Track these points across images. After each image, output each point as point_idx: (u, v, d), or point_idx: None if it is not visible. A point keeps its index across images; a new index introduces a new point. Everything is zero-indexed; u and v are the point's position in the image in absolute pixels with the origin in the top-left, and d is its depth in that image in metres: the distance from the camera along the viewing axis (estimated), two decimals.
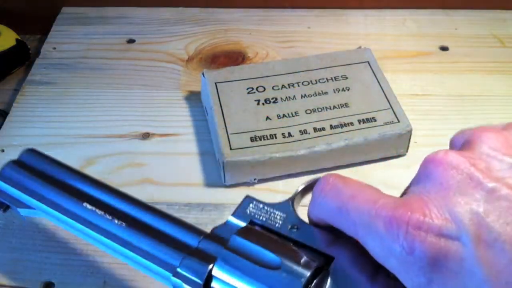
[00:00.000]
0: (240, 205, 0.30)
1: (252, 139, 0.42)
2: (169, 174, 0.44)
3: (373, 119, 0.43)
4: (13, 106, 0.50)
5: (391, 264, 0.24)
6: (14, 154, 0.45)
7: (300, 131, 0.43)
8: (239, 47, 0.57)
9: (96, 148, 0.46)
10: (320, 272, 0.27)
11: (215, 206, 0.41)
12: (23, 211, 0.34)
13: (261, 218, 0.30)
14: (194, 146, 0.46)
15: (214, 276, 0.28)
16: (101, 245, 0.31)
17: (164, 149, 0.46)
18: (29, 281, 0.37)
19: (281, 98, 0.45)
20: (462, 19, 0.60)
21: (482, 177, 0.23)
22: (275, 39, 0.58)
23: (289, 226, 0.29)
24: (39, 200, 0.33)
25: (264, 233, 0.29)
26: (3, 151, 0.46)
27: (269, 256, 0.27)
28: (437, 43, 0.56)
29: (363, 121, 0.43)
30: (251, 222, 0.30)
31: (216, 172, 0.43)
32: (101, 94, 0.51)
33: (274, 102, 0.45)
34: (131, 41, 0.58)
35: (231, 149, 0.41)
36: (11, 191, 0.34)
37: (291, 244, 0.28)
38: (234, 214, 0.30)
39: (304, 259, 0.27)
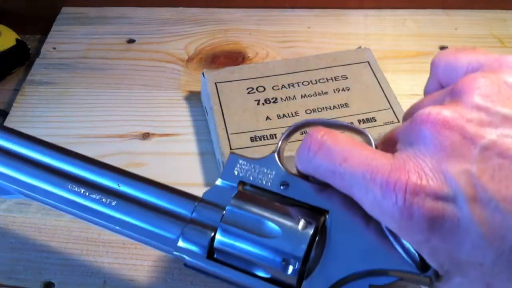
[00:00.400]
0: (226, 165, 0.30)
1: (252, 139, 0.42)
2: (169, 174, 0.44)
3: (373, 119, 0.43)
4: (13, 106, 0.50)
5: (390, 225, 0.24)
6: None
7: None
8: (239, 47, 0.57)
9: (96, 148, 0.46)
10: (318, 231, 0.27)
11: None
12: (5, 196, 0.33)
13: (250, 178, 0.29)
14: (194, 146, 0.46)
15: (216, 248, 0.28)
16: (96, 225, 0.31)
17: (164, 149, 0.46)
18: (29, 281, 0.37)
19: (281, 98, 0.45)
20: (462, 19, 0.60)
21: (475, 135, 0.23)
22: (275, 39, 0.58)
23: (280, 183, 0.29)
24: (20, 187, 0.32)
25: (258, 197, 0.29)
26: None
27: (268, 224, 0.27)
28: (437, 43, 0.56)
29: (363, 121, 0.43)
30: (241, 183, 0.29)
31: (216, 172, 0.43)
32: (101, 94, 0.51)
33: (274, 102, 0.45)
34: (131, 41, 0.58)
35: (231, 149, 0.41)
36: None
37: (286, 204, 0.28)
38: (222, 177, 0.30)
39: (302, 222, 0.27)
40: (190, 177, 0.44)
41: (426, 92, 0.31)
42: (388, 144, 0.27)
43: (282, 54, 0.56)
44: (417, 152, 0.24)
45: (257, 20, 0.60)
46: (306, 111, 0.44)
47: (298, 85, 0.46)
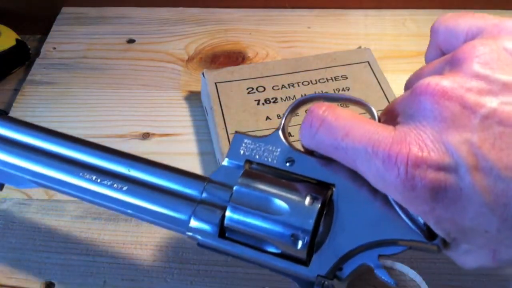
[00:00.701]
0: (232, 145, 0.30)
1: None
2: None
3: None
4: (13, 106, 0.50)
5: (394, 197, 0.25)
6: None
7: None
8: (239, 47, 0.57)
9: None
10: (325, 204, 0.28)
11: None
12: (20, 186, 0.34)
13: (256, 156, 0.30)
14: (194, 146, 0.46)
15: (227, 227, 0.28)
16: (109, 209, 0.32)
17: (164, 149, 0.46)
18: (29, 281, 0.37)
19: (281, 98, 0.45)
20: None
21: (475, 104, 0.23)
22: (275, 39, 0.58)
23: (285, 160, 0.29)
24: (33, 176, 0.32)
25: (264, 175, 0.29)
26: None
27: (276, 201, 0.28)
28: None
29: None
30: (247, 162, 0.30)
31: None
32: (101, 94, 0.51)
33: (274, 102, 0.45)
34: (131, 41, 0.58)
35: None
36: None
37: (292, 180, 0.29)
38: (228, 156, 0.30)
39: (309, 196, 0.27)
40: None
41: (427, 59, 0.31)
42: (390, 116, 0.27)
43: (282, 54, 0.56)
44: (417, 124, 0.24)
45: (257, 20, 0.60)
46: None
47: (298, 85, 0.46)
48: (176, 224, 0.30)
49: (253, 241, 0.28)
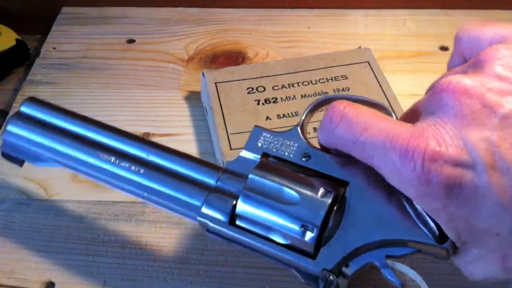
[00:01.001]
0: (250, 137, 0.31)
1: None
2: None
3: None
4: (13, 106, 0.50)
5: (408, 192, 0.25)
6: None
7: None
8: (239, 47, 0.57)
9: None
10: (337, 200, 0.28)
11: None
12: (38, 164, 0.35)
13: (273, 149, 0.30)
14: (194, 146, 0.46)
15: (238, 214, 0.29)
16: (124, 191, 0.32)
17: None
18: (29, 281, 0.37)
19: (281, 98, 0.45)
20: (462, 19, 0.59)
21: (495, 104, 0.23)
22: (275, 39, 0.58)
23: (302, 155, 0.30)
24: (53, 154, 0.34)
25: (280, 167, 0.29)
26: None
27: (288, 192, 0.28)
28: (437, 43, 0.56)
29: None
30: (264, 155, 0.30)
31: None
32: (101, 94, 0.51)
33: (274, 102, 0.45)
34: (131, 41, 0.58)
35: (231, 149, 0.41)
36: (23, 147, 0.35)
37: (307, 175, 0.29)
38: (245, 148, 0.31)
39: (321, 190, 0.28)
40: None
41: (450, 67, 0.31)
42: (411, 117, 0.27)
43: (282, 54, 0.56)
44: (437, 119, 0.24)
45: (257, 20, 0.60)
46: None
47: (298, 85, 0.46)
48: (188, 209, 0.30)
49: (262, 230, 0.28)
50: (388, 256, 0.27)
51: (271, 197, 0.28)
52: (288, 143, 0.30)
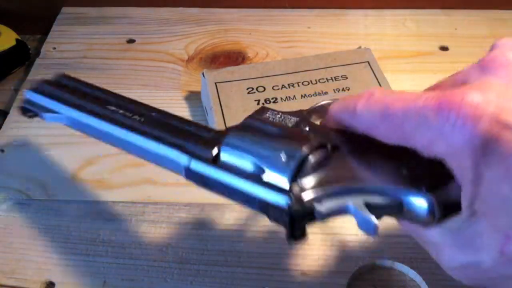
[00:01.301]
0: (253, 112, 0.32)
1: None
2: (169, 174, 0.43)
3: None
4: (13, 106, 0.50)
5: (440, 149, 0.24)
6: (14, 154, 0.45)
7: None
8: (239, 47, 0.57)
9: (96, 148, 0.46)
10: (321, 141, 0.28)
11: (215, 206, 0.41)
12: (48, 117, 0.37)
13: (274, 120, 0.31)
14: None
15: (223, 148, 0.29)
16: (119, 140, 0.33)
17: None
18: (29, 281, 0.37)
19: (281, 98, 0.45)
20: (462, 19, 0.60)
21: None
22: (275, 39, 0.58)
23: (302, 126, 0.30)
24: (65, 104, 0.36)
25: (272, 119, 0.31)
26: (3, 151, 0.46)
27: (272, 129, 0.29)
28: (437, 43, 0.56)
29: None
30: None
31: None
32: None
33: (274, 102, 0.45)
34: (131, 41, 0.58)
35: None
36: (40, 100, 0.37)
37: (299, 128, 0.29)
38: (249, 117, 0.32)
39: (306, 130, 0.28)
40: None
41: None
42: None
43: (282, 54, 0.56)
44: (481, 80, 0.24)
45: (257, 20, 0.60)
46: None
47: (298, 85, 0.46)
48: (176, 149, 0.30)
49: (245, 166, 0.28)
50: (366, 204, 0.26)
51: (257, 134, 0.29)
52: (291, 118, 0.31)
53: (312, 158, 0.27)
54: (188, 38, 0.58)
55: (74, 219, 0.40)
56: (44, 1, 0.61)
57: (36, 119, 0.48)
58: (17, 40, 0.55)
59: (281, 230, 0.26)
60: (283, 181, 0.26)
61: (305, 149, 0.27)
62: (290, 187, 0.26)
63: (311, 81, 0.47)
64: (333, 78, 0.47)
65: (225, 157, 0.29)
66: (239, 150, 0.28)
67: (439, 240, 0.26)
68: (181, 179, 0.43)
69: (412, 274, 0.36)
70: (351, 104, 0.27)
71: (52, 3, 0.62)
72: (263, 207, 0.27)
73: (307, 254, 0.38)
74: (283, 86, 0.46)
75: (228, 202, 0.41)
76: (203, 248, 0.38)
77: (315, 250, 0.38)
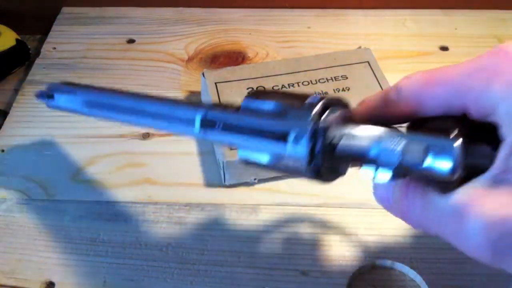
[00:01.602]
0: None
1: None
2: (169, 174, 0.44)
3: None
4: (13, 106, 0.50)
5: (488, 103, 0.24)
6: (14, 154, 0.45)
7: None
8: (239, 47, 0.57)
9: (96, 148, 0.46)
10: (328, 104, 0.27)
11: (215, 206, 0.41)
12: (62, 99, 0.40)
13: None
14: (194, 146, 0.46)
15: (244, 100, 0.29)
16: (132, 110, 0.35)
17: (164, 149, 0.46)
18: (29, 281, 0.37)
19: None
20: (462, 19, 0.60)
21: None
22: (275, 39, 0.58)
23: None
24: (80, 86, 0.40)
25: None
26: (3, 151, 0.46)
27: (274, 104, 0.28)
28: (437, 43, 0.56)
29: None
30: None
31: (216, 172, 0.43)
32: None
33: None
34: (131, 41, 0.58)
35: (231, 149, 0.41)
36: (57, 86, 0.41)
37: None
38: None
39: (309, 99, 0.27)
40: (190, 177, 0.44)
41: None
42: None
43: (282, 54, 0.56)
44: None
45: (257, 20, 0.60)
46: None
47: (298, 85, 0.46)
48: (192, 111, 0.31)
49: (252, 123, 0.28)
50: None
51: (272, 93, 0.30)
52: None
53: (334, 110, 0.27)
54: (188, 38, 0.58)
55: (74, 219, 0.40)
56: (44, 1, 0.61)
57: (35, 120, 0.49)
58: (17, 40, 0.55)
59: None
60: (306, 116, 0.26)
61: (325, 100, 0.26)
62: (313, 117, 0.26)
63: (311, 81, 0.47)
64: (333, 78, 0.47)
65: (246, 105, 0.29)
66: (260, 98, 0.29)
67: (466, 199, 0.24)
68: (181, 179, 0.44)
69: (412, 274, 0.36)
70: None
71: (52, 3, 0.62)
72: (283, 138, 0.26)
73: (307, 254, 0.38)
74: (283, 86, 0.46)
75: (227, 202, 0.42)
76: (203, 248, 0.38)
77: (315, 250, 0.38)
